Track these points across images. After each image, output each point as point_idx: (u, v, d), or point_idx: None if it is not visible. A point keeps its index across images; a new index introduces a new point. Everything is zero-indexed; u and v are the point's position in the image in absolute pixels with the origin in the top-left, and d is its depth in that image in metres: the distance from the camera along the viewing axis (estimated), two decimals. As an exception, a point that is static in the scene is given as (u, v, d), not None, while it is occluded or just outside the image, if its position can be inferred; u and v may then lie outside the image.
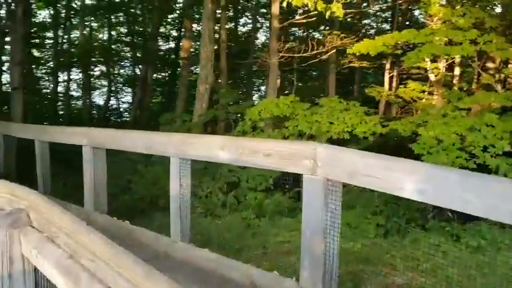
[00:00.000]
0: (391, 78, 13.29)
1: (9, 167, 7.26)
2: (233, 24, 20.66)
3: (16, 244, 1.69)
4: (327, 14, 6.39)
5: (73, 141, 5.38)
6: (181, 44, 19.98)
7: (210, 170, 7.18)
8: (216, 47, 12.14)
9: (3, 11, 21.92)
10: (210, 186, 7.13)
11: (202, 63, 9.93)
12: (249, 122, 7.25)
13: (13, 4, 14.12)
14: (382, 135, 7.95)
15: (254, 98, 20.31)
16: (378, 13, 18.26)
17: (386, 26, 19.06)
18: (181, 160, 3.96)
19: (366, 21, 19.39)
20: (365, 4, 14.33)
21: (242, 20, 22.31)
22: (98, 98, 28.35)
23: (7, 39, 18.93)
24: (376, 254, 5.06)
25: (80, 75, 25.38)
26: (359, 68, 13.48)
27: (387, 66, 13.09)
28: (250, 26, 20.99)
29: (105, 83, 26.74)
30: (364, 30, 17.59)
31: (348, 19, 14.47)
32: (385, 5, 17.28)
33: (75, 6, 23.51)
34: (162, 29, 23.13)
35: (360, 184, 2.67)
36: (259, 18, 20.27)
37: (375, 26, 19.47)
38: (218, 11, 12.87)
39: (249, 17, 21.09)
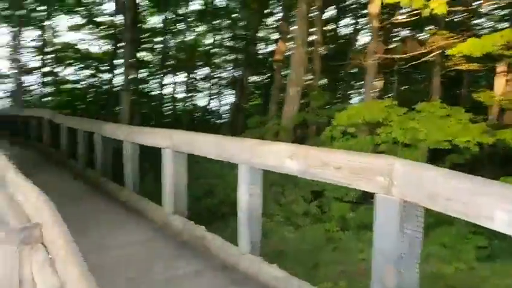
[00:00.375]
0: (507, 81, 11.94)
1: (106, 166, 7.60)
2: (333, 25, 20.17)
3: (26, 263, 1.54)
4: (426, 11, 5.78)
5: (156, 143, 5.41)
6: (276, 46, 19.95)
7: (294, 177, 6.88)
8: (311, 49, 11.83)
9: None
10: (293, 194, 6.85)
11: (293, 65, 9.68)
12: (337, 127, 6.83)
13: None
14: (491, 145, 7.08)
15: (352, 101, 19.60)
16: (494, 11, 16.60)
17: (505, 24, 17.26)
18: (250, 168, 3.73)
19: (479, 21, 17.78)
20: (477, 2, 13.07)
21: (344, 21, 21.75)
22: (201, 100, 29.61)
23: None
24: (472, 281, 4.41)
25: (187, 77, 26.57)
26: (467, 71, 12.28)
27: (502, 68, 11.76)
28: (352, 27, 20.38)
29: (208, 85, 27.81)
30: (475, 30, 16.05)
31: (456, 18, 13.26)
32: (503, 1, 15.61)
33: (182, 12, 24.45)
34: (262, 33, 23.42)
35: (441, 209, 2.20)
36: (361, 19, 19.56)
37: (489, 25, 17.73)
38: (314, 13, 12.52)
39: (351, 18, 20.48)
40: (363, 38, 19.50)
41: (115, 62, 25.53)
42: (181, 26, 25.81)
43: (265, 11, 20.33)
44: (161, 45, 25.32)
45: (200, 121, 25.33)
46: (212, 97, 27.69)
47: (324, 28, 15.55)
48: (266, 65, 23.57)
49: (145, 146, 5.78)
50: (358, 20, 19.14)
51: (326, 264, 4.80)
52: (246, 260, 3.83)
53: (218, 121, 25.93)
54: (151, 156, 6.20)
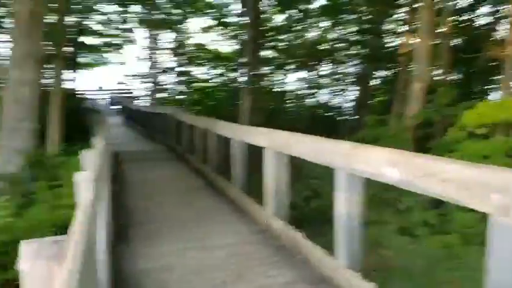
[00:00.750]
0: None
1: (218, 163, 7.71)
2: (468, 15, 18.23)
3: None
4: None
5: (258, 143, 5.26)
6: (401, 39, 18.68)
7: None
8: (440, 41, 10.75)
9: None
10: (412, 199, 6.19)
11: (418, 59, 8.85)
12: (464, 127, 6.01)
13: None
14: None
15: (490, 97, 17.53)
16: None
17: None
18: (348, 174, 3.34)
19: None
20: None
21: (481, 10, 19.56)
22: (325, 96, 29.22)
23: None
24: None
25: (309, 73, 26.39)
26: None
27: None
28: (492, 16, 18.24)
29: (331, 81, 27.31)
30: None
31: None
32: None
33: (303, 8, 24.24)
34: (390, 26, 22.22)
35: None
36: (504, 6, 17.36)
37: None
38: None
39: (490, 6, 18.33)
40: (504, 27, 17.33)
41: (241, 60, 26.36)
42: (299, 24, 25.61)
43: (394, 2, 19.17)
44: (285, 43, 25.38)
45: (322, 118, 24.98)
46: (335, 93, 27.15)
47: (457, 18, 14.09)
48: (393, 59, 22.32)
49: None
50: (498, 8, 17.01)
51: (440, 286, 4.18)
52: (342, 275, 3.46)
53: (341, 118, 25.33)
54: (259, 155, 6.10)
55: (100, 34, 31.84)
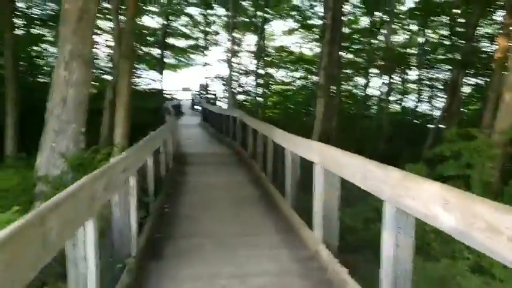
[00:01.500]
0: None
1: (275, 173, 7.20)
2: None
3: None
4: None
5: (309, 156, 4.66)
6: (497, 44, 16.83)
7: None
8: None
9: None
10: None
11: (511, 65, 7.64)
12: None
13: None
14: None
15: None
16: None
17: None
18: (397, 209, 2.66)
19: None
20: None
21: None
22: (411, 102, 27.59)
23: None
24: None
25: (393, 78, 24.99)
26: None
27: None
28: None
29: (418, 87, 25.67)
30: None
31: None
32: None
33: (387, 10, 22.95)
34: (486, 30, 20.32)
35: None
36: None
37: None
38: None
39: None
40: None
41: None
42: (391, 25, 24.20)
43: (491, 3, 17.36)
44: (368, 46, 24.20)
45: (408, 125, 23.51)
46: (422, 100, 25.46)
47: None
48: (487, 65, 20.33)
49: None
50: None
51: None
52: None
53: (428, 125, 23.68)
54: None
55: (186, 36, 32.78)
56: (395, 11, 23.85)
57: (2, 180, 5.22)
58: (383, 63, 22.94)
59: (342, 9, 17.42)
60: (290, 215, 5.42)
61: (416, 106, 24.72)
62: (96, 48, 26.82)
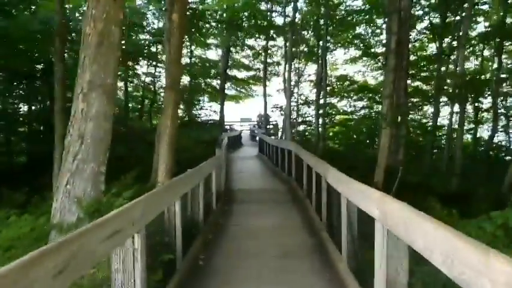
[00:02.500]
0: None
1: (331, 220, 6.07)
2: None
3: None
4: None
5: (369, 210, 3.54)
6: None
7: None
8: None
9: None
10: None
11: None
12: None
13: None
14: None
15: None
16: None
17: None
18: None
19: None
20: None
21: None
22: (484, 133, 25.27)
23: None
24: None
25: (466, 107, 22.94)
26: None
27: None
28: None
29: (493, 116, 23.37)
30: None
31: None
32: None
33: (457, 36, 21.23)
34: None
35: None
36: None
37: None
38: None
39: None
40: None
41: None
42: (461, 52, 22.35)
43: None
44: (437, 73, 22.42)
45: (482, 158, 21.27)
46: (499, 130, 23.08)
47: None
48: None
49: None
50: None
51: None
52: None
53: (506, 157, 21.34)
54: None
55: (246, 67, 32.59)
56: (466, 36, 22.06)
57: (13, 227, 4.56)
58: (456, 90, 21.09)
59: (408, 34, 16.22)
60: (346, 278, 4.27)
61: (492, 137, 22.40)
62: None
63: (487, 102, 22.90)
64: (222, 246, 5.67)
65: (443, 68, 22.19)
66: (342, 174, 4.80)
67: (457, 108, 22.90)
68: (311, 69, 29.03)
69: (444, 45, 22.17)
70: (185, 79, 29.65)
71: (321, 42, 25.46)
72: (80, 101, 4.51)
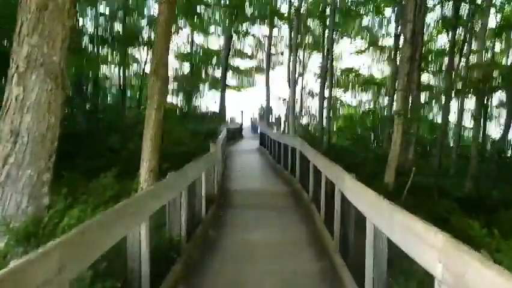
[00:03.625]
0: None
1: (345, 235, 4.81)
2: None
3: None
4: None
5: (417, 255, 2.29)
6: None
7: None
8: None
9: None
10: None
11: None
12: None
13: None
14: None
15: None
16: None
17: None
18: None
19: None
20: None
21: None
22: (494, 130, 24.01)
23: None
24: None
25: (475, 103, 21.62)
26: None
27: None
28: None
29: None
30: None
31: None
32: None
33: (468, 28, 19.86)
34: None
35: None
36: None
37: None
38: None
39: None
40: None
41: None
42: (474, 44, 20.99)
43: None
44: (447, 66, 20.99)
45: (493, 156, 19.93)
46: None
47: None
48: None
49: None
50: None
51: None
52: None
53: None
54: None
55: (249, 56, 31.16)
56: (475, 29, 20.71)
57: None
58: (462, 85, 19.74)
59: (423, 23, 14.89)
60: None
61: (504, 135, 21.08)
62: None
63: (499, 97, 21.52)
64: (208, 273, 4.41)
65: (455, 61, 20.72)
66: (366, 189, 3.52)
67: (469, 104, 21.65)
68: (315, 60, 27.64)
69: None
70: (186, 68, 28.35)
71: (326, 32, 24.08)
72: (14, 84, 3.25)
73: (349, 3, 23.68)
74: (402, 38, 22.21)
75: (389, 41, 26.30)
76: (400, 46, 23.57)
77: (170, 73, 27.82)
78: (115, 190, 7.85)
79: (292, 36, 19.39)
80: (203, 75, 29.36)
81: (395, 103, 12.47)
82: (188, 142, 14.43)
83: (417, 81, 14.86)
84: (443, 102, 23.56)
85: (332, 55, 21.50)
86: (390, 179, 12.05)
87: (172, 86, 27.91)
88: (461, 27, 20.31)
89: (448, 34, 21.02)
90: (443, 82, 22.72)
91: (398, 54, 22.82)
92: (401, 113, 11.87)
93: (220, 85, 27.90)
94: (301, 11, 20.04)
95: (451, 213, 9.57)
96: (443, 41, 24.47)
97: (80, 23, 18.19)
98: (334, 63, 26.12)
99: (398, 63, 21.66)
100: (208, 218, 6.47)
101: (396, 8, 21.87)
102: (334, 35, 23.27)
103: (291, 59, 18.94)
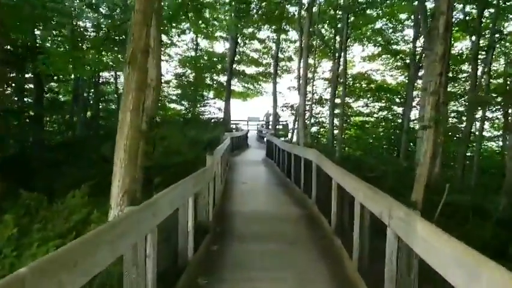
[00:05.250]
0: None
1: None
2: None
3: None
4: None
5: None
6: None
7: None
8: None
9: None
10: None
11: None
12: None
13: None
14: None
15: None
16: None
17: None
18: None
19: None
20: None
21: None
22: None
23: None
24: None
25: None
26: None
27: None
28: None
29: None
30: None
31: None
32: None
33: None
34: None
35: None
36: None
37: None
38: None
39: None
40: None
41: (414, 93, 20.95)
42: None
43: None
44: (471, 72, 19.18)
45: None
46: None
47: None
48: None
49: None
50: None
51: None
52: None
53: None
54: None
55: (255, 62, 29.46)
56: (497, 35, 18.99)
57: None
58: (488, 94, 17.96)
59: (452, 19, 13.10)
60: None
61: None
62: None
63: None
64: None
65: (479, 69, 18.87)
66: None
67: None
68: (326, 66, 25.95)
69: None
70: (190, 73, 26.71)
71: (337, 37, 22.39)
72: None
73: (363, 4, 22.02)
74: (418, 42, 20.49)
75: (402, 47, 24.61)
76: (417, 51, 21.99)
77: (172, 78, 26.30)
78: (83, 214, 6.15)
79: (303, 38, 17.69)
80: (208, 81, 27.74)
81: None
82: (187, 151, 12.68)
83: (444, 84, 13.03)
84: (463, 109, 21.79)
85: (346, 56, 19.73)
86: (418, 196, 10.11)
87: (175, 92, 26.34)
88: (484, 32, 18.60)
89: (470, 38, 19.22)
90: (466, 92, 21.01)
91: (413, 60, 21.16)
92: (434, 120, 10.10)
93: (225, 91, 26.20)
94: (313, 10, 18.35)
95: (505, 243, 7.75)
96: (461, 45, 22.79)
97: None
98: (346, 69, 24.43)
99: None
100: (198, 259, 4.69)
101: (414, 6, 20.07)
102: (347, 31, 21.36)
103: (302, 61, 17.21)
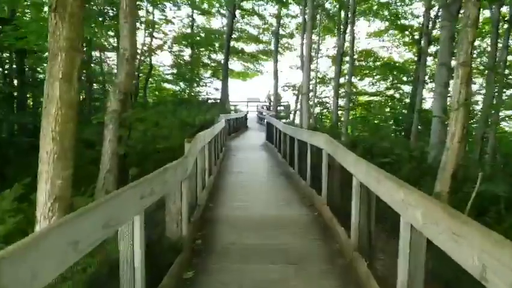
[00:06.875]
0: None
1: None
2: None
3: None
4: None
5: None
6: None
7: None
8: None
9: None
10: None
11: None
12: None
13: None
14: None
15: None
16: None
17: None
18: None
19: None
20: None
21: None
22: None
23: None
24: None
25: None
26: None
27: None
28: None
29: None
30: None
31: None
32: None
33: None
34: None
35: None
36: None
37: None
38: None
39: None
40: None
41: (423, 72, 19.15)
42: None
43: None
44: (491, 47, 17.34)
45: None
46: None
47: None
48: None
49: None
50: None
51: None
52: None
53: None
54: None
55: (255, 40, 27.53)
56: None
57: None
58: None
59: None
60: None
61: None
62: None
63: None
64: None
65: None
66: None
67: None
68: (329, 43, 24.05)
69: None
70: (186, 52, 24.87)
71: (342, 12, 20.48)
72: None
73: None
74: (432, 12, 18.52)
75: (411, 21, 22.70)
76: (429, 25, 20.09)
77: (169, 57, 24.48)
78: (10, 223, 4.53)
79: (307, 8, 15.83)
80: (205, 61, 25.92)
81: (453, 83, 9.01)
82: (177, 136, 11.00)
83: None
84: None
85: (353, 29, 17.79)
86: (444, 187, 8.37)
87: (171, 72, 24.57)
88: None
89: (489, 7, 17.28)
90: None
91: (426, 32, 19.31)
92: (461, 96, 8.39)
93: (222, 70, 24.36)
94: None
95: None
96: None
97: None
98: (351, 46, 22.52)
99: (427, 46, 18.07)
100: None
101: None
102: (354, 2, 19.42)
103: (305, 36, 15.40)
